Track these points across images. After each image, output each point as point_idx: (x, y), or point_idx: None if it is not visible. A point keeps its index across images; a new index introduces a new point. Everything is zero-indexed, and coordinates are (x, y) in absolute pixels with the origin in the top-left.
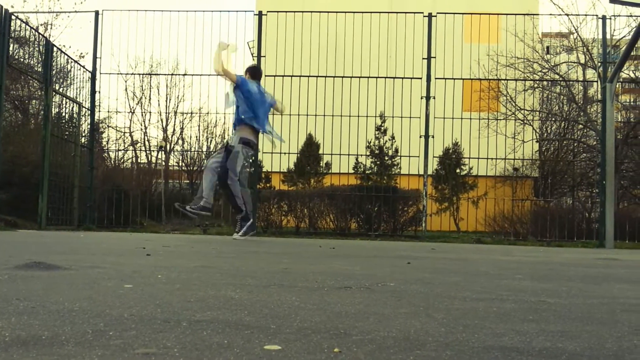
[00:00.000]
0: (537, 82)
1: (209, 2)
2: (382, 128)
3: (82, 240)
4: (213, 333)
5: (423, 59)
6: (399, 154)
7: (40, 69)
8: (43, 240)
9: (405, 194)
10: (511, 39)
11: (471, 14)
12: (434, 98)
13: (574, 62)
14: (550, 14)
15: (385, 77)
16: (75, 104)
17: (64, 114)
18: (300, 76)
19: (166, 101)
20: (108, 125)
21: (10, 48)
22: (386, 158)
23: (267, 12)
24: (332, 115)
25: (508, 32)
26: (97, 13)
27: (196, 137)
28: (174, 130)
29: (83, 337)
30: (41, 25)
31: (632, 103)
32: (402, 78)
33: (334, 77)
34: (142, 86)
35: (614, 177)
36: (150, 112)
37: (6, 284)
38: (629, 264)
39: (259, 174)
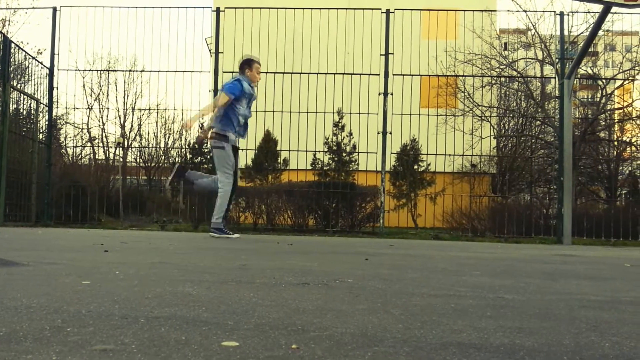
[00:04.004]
0: (495, 78)
1: None
2: (340, 124)
3: (40, 236)
4: (171, 329)
5: (381, 55)
6: (356, 151)
7: None
8: (0, 236)
9: (363, 190)
10: (469, 35)
11: (429, 10)
12: (392, 94)
13: (532, 59)
14: (508, 10)
15: (343, 74)
16: (33, 100)
17: (21, 111)
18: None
19: (124, 97)
20: (66, 122)
21: None
22: (344, 154)
23: (225, 8)
24: (290, 112)
25: (466, 29)
26: (54, 9)
27: (154, 133)
28: (132, 126)
29: (41, 333)
30: None
31: (589, 99)
32: (360, 74)
33: (292, 73)
34: (99, 82)
35: (571, 174)
36: (108, 109)
37: None
38: (586, 260)
39: None
